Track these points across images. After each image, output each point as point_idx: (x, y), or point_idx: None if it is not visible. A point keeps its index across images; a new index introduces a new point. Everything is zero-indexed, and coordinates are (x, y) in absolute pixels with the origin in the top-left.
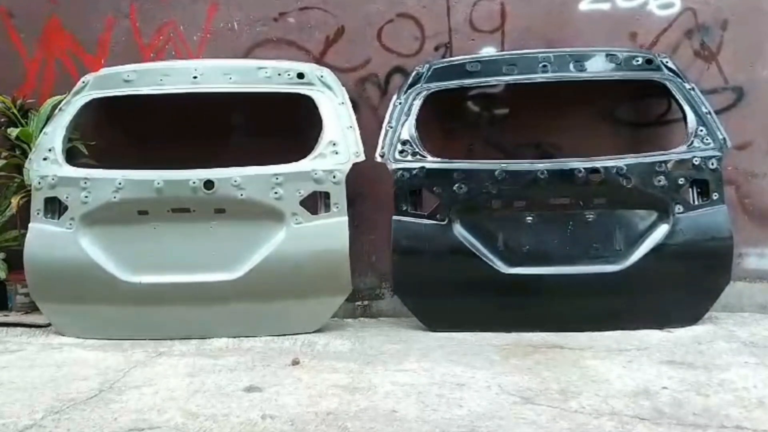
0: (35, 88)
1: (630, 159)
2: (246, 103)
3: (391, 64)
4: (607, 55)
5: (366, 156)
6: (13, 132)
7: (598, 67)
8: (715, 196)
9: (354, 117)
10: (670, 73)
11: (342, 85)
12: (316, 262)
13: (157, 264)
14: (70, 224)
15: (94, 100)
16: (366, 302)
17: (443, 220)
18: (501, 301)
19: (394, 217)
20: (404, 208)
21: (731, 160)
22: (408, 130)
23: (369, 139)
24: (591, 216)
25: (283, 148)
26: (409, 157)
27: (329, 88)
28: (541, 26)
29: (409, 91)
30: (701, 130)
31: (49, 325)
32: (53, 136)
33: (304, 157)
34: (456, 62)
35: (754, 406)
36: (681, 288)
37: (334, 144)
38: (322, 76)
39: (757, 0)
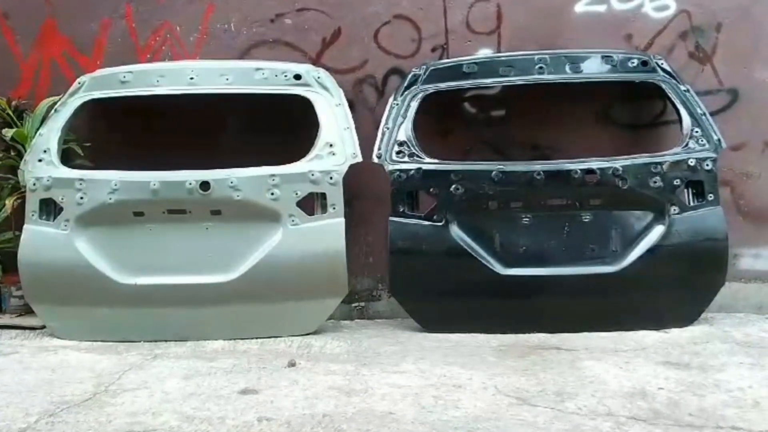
0: (31, 89)
1: (626, 160)
2: (242, 105)
3: (388, 66)
4: (602, 57)
5: (363, 157)
6: (8, 133)
7: (593, 68)
8: (710, 197)
9: (351, 118)
10: (665, 75)
11: (339, 86)
12: (313, 263)
13: (153, 266)
14: (65, 226)
15: (89, 101)
16: (363, 304)
17: (440, 221)
18: (498, 302)
19: (391, 218)
20: (401, 209)
21: (726, 161)
22: (405, 131)
23: (366, 141)
24: (587, 217)
25: (279, 149)
26: (406, 158)
27: (326, 89)
28: (538, 28)
29: (406, 92)
30: (696, 132)
31: (43, 327)
32: (48, 137)
33: (300, 158)
34: (453, 64)
35: (749, 407)
36: (677, 289)
37: (331, 145)
38: (318, 78)
39: (751, 3)
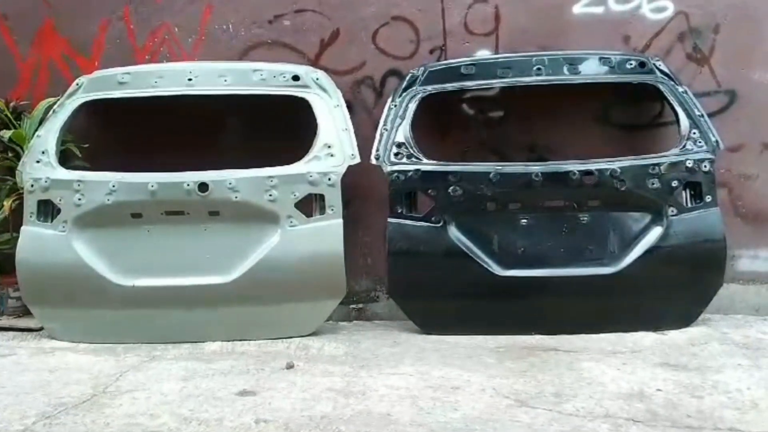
0: (29, 90)
1: (623, 161)
2: (241, 106)
3: (386, 67)
4: (600, 58)
5: (361, 158)
6: (6, 134)
7: (591, 69)
8: (708, 198)
9: (349, 119)
10: (663, 76)
11: (337, 87)
12: (311, 264)
13: (151, 267)
14: (63, 227)
15: (88, 102)
16: (361, 305)
17: (438, 223)
18: (496, 304)
19: (390, 220)
20: (399, 211)
21: (724, 163)
22: (403, 132)
23: (364, 142)
24: (585, 218)
25: (277, 150)
26: (405, 160)
27: (324, 90)
28: (536, 29)
29: (404, 93)
30: (694, 133)
31: (41, 329)
32: (46, 138)
33: (299, 159)
34: (451, 65)
35: (747, 408)
36: (674, 290)
37: (329, 146)
38: (317, 79)
39: (749, 4)
